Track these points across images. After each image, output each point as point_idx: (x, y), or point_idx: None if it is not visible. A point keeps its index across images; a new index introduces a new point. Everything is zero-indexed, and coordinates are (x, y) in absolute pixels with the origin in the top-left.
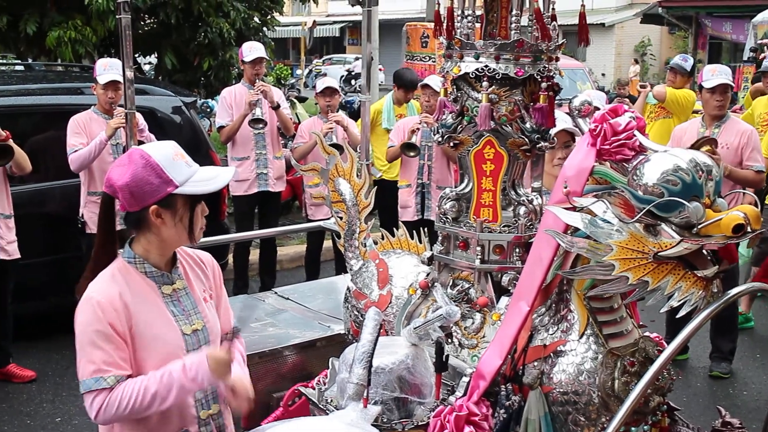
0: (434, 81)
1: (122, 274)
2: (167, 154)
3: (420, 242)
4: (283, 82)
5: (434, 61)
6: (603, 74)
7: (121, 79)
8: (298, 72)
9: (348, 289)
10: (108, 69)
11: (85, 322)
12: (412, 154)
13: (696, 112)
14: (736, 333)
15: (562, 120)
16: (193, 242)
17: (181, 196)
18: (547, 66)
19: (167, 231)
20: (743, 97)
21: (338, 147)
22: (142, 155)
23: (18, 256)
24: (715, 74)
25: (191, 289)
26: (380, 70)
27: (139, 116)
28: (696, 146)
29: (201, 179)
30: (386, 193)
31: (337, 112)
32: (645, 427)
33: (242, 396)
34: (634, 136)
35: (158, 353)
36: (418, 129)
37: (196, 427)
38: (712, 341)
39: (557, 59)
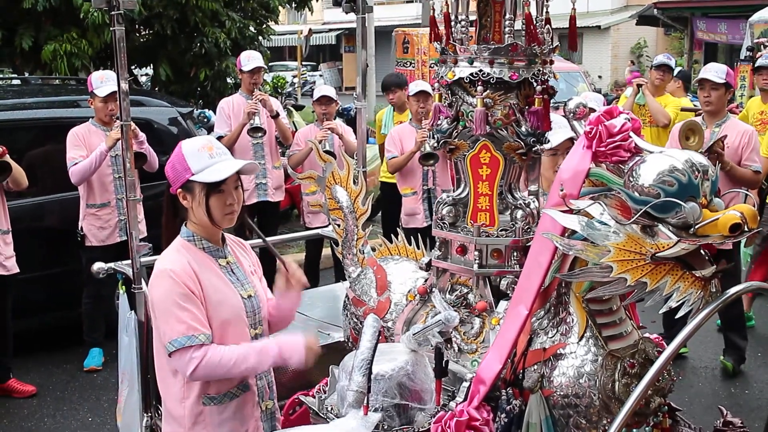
0: (421, 86)
1: (185, 249)
2: (195, 146)
3: (418, 248)
4: (280, 90)
5: (414, 67)
6: (600, 76)
7: None
8: (294, 80)
9: (347, 296)
10: (105, 81)
11: (165, 289)
12: (431, 162)
13: (689, 110)
14: (745, 332)
15: (562, 125)
16: (216, 226)
17: (198, 183)
18: (541, 69)
19: (195, 214)
20: (741, 96)
21: (331, 154)
22: (179, 146)
23: (17, 270)
24: (704, 71)
25: (240, 263)
26: None
27: (136, 128)
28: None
29: (216, 170)
30: (389, 197)
31: (335, 119)
32: (647, 429)
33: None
34: (630, 137)
35: (221, 316)
36: (425, 138)
37: (254, 380)
38: (725, 336)
39: (552, 62)
